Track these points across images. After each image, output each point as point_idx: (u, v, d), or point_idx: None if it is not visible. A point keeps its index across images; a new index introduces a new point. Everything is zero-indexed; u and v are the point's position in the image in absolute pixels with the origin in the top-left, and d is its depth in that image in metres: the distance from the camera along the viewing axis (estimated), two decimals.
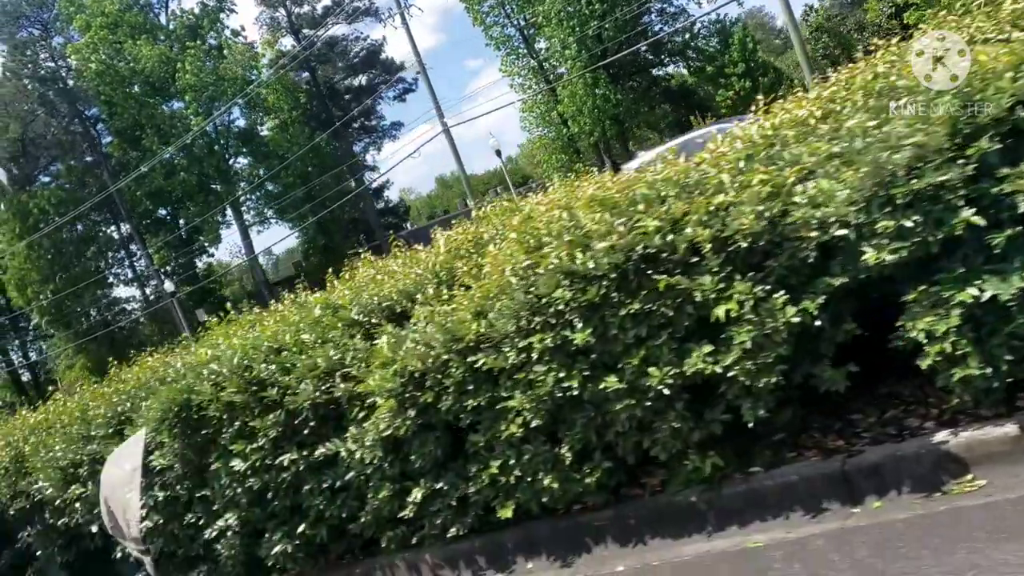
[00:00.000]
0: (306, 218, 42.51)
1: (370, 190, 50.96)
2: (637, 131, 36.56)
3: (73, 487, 5.08)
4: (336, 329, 4.60)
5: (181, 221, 48.32)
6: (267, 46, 47.71)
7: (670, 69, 38.41)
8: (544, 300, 3.59)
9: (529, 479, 3.88)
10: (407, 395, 4.03)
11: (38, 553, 5.57)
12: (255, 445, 4.47)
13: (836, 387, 3.35)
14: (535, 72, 37.67)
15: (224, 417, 4.54)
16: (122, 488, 4.92)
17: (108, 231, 52.00)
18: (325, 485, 4.40)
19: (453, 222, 5.42)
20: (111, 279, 52.23)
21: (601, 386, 3.53)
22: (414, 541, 4.33)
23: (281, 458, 4.40)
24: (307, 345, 4.55)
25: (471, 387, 3.89)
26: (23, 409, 7.33)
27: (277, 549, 4.53)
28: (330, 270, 5.91)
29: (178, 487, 4.77)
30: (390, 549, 4.43)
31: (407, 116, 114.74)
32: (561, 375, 3.57)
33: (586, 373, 3.57)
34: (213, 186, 46.71)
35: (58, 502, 5.33)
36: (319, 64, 47.54)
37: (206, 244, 49.12)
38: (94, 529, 5.22)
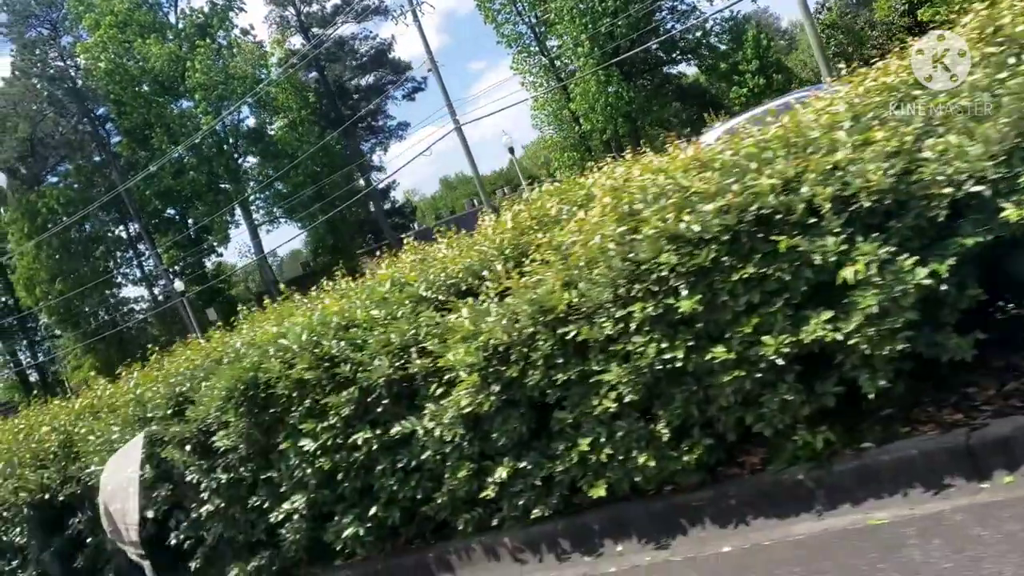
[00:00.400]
0: (316, 217, 42.36)
1: (378, 190, 50.80)
2: (649, 129, 36.33)
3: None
4: (404, 306, 4.43)
5: (190, 221, 48.26)
6: (276, 45, 47.63)
7: (682, 67, 38.25)
8: (645, 267, 3.42)
9: (621, 457, 3.71)
10: (491, 370, 3.87)
11: (88, 540, 5.40)
12: (326, 424, 4.30)
13: (961, 356, 3.18)
14: (546, 70, 37.56)
15: (293, 395, 4.38)
16: (121, 493, 4.86)
17: (116, 231, 51.96)
18: (400, 465, 4.23)
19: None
20: (119, 279, 52.16)
21: (707, 357, 3.36)
22: (494, 523, 4.16)
23: (354, 437, 4.23)
24: (377, 321, 4.38)
25: (560, 360, 3.72)
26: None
27: (348, 532, 4.36)
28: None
29: (242, 469, 4.60)
30: (466, 532, 4.26)
31: (415, 116, 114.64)
32: (663, 346, 3.40)
33: (690, 343, 3.40)
34: (222, 185, 46.66)
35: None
36: (328, 63, 47.43)
37: (215, 244, 49.03)
38: (149, 514, 5.05)
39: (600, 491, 3.74)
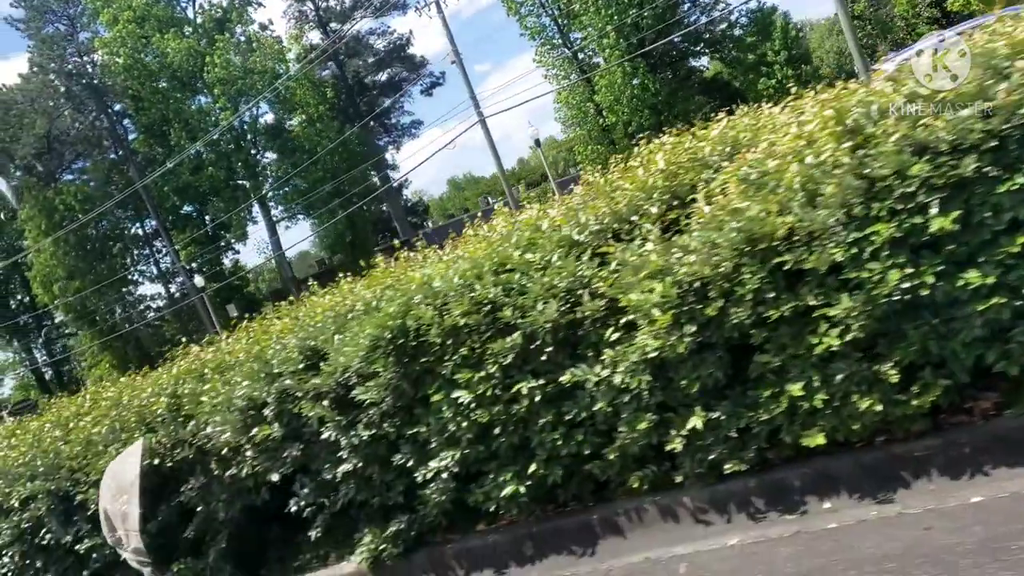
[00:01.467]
0: (335, 213, 42.06)
1: (394, 187, 50.52)
2: (674, 121, 35.93)
3: (257, 429, 4.55)
4: (559, 249, 4.08)
5: (207, 217, 48.07)
6: (294, 40, 47.47)
7: (706, 60, 37.90)
8: (885, 183, 3.06)
9: (837, 404, 3.35)
10: (685, 308, 3.51)
11: (198, 509, 5.06)
12: (483, 374, 3.95)
13: None
14: (569, 62, 37.23)
15: (448, 343, 4.03)
16: (121, 498, 4.91)
17: (134, 228, 51.80)
18: (567, 418, 3.88)
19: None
20: (136, 276, 52.00)
21: (958, 284, 3.00)
22: (676, 480, 3.80)
23: (517, 386, 3.88)
24: (532, 265, 4.03)
25: (771, 295, 3.36)
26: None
27: (507, 491, 4.00)
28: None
29: (385, 424, 4.25)
30: (639, 491, 3.90)
31: (432, 112, 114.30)
32: (908, 271, 3.04)
33: (939, 268, 3.03)
34: (240, 182, 46.45)
35: (225, 451, 4.82)
36: (346, 58, 47.20)
37: (232, 241, 48.83)
38: (274, 478, 4.70)
39: (817, 440, 3.38)
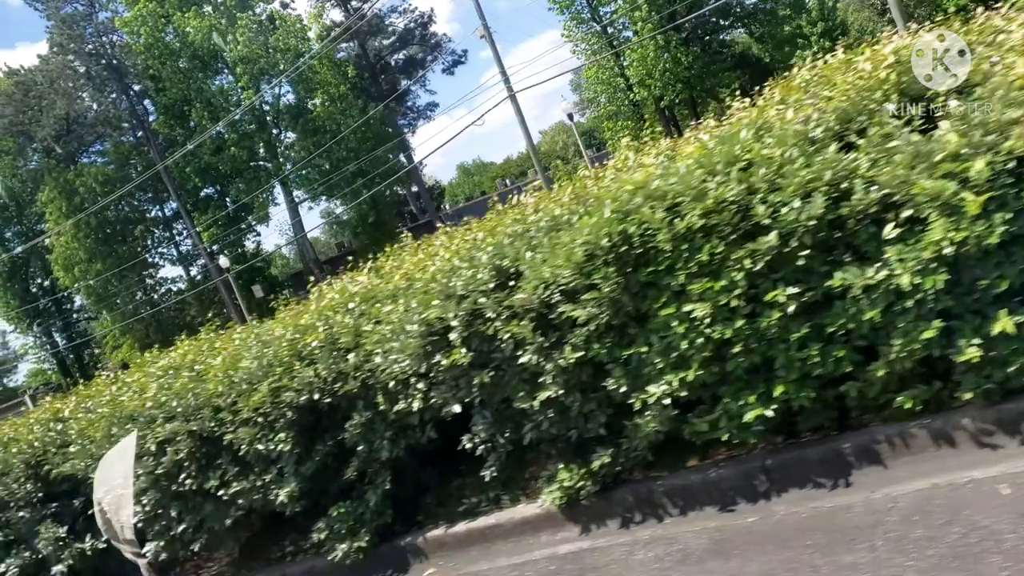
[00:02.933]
0: (359, 193, 41.59)
1: (417, 168, 49.96)
2: (706, 96, 35.33)
3: (440, 356, 4.12)
4: (797, 146, 3.61)
5: (228, 199, 47.68)
6: (315, 19, 46.90)
7: (740, 32, 37.23)
8: None
9: None
10: (997, 193, 3.05)
11: (358, 448, 4.64)
12: (723, 283, 3.50)
13: None
14: (597, 36, 36.58)
15: (682, 248, 3.57)
16: (116, 491, 4.86)
17: (154, 210, 51.51)
18: (829, 331, 3.43)
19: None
20: (158, 259, 51.78)
21: None
22: (959, 399, 3.34)
23: (771, 295, 3.43)
24: (774, 161, 3.57)
25: None
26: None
27: (749, 416, 3.56)
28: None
29: (595, 346, 3.80)
30: (912, 412, 3.45)
31: (449, 94, 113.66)
32: None
33: None
34: (262, 163, 46.06)
35: (393, 384, 4.39)
36: (368, 36, 46.59)
37: (254, 223, 48.48)
38: (455, 409, 4.27)
39: None
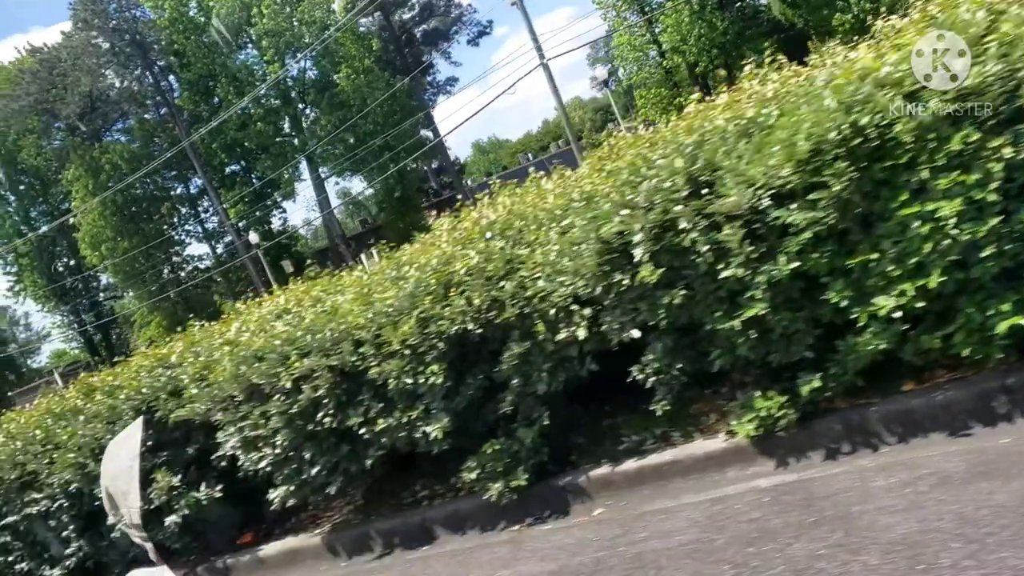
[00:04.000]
0: (386, 167, 41.20)
1: (445, 145, 49.42)
2: (741, 63, 34.47)
3: (620, 275, 3.75)
4: None
5: (254, 176, 47.50)
6: None
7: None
8: None
9: None
10: None
11: (512, 382, 4.31)
12: (976, 177, 3.11)
13: None
14: (629, 3, 35.80)
15: (927, 139, 3.18)
16: (123, 477, 5.08)
17: (180, 187, 51.43)
18: None
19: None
20: (184, 236, 51.79)
21: None
22: None
23: None
24: None
25: None
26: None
27: (1001, 327, 3.18)
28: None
29: (815, 255, 3.43)
30: None
31: (473, 67, 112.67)
32: None
33: None
34: (287, 138, 45.78)
35: (554, 312, 4.05)
36: (394, 7, 45.96)
37: (280, 199, 48.31)
38: (635, 333, 3.92)
39: None
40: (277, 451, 4.94)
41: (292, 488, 5.02)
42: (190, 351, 5.76)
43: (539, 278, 4.13)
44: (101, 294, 57.95)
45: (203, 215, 51.56)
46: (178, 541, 5.68)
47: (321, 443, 4.84)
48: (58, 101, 46.51)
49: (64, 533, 5.98)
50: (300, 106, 43.90)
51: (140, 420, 5.41)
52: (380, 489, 5.46)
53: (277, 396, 4.81)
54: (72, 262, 56.99)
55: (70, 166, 48.14)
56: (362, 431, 4.63)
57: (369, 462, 4.74)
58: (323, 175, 45.86)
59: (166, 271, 51.26)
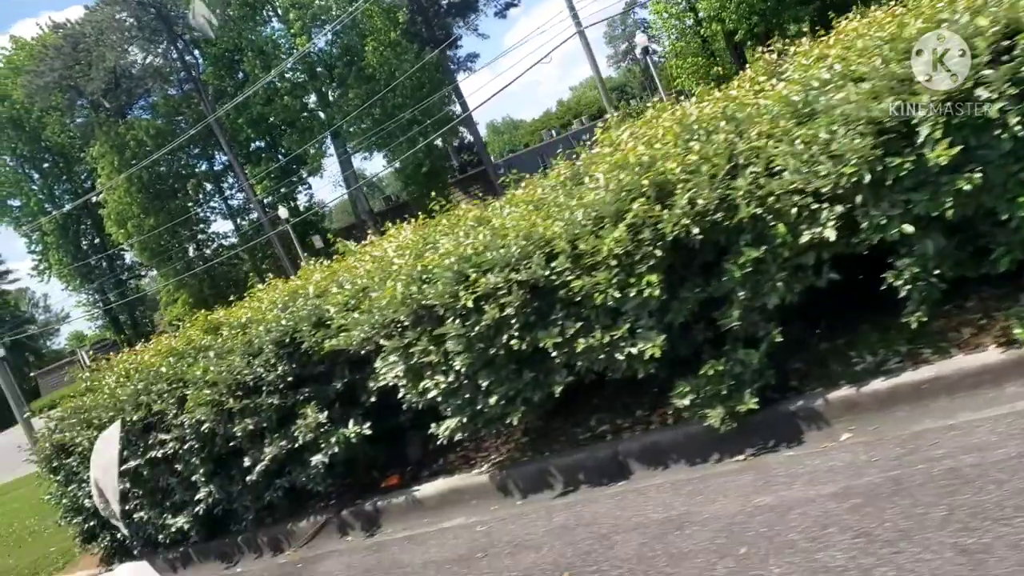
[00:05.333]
0: (415, 142, 40.64)
1: (472, 119, 48.70)
2: (784, 29, 33.63)
3: (900, 159, 3.26)
4: None
5: (280, 152, 47.08)
6: None
7: None
8: None
9: None
10: None
11: (738, 294, 3.85)
12: None
13: None
14: None
15: None
16: (108, 471, 5.35)
17: (204, 164, 51.11)
18: None
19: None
20: (210, 214, 51.58)
21: None
22: None
23: None
24: None
25: None
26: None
27: None
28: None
29: None
30: None
31: (491, 44, 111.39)
32: None
33: None
34: (314, 112, 45.30)
35: (796, 210, 3.57)
36: None
37: (306, 175, 47.91)
38: (908, 229, 3.43)
39: None
40: (450, 379, 4.52)
41: (464, 420, 4.61)
42: (333, 281, 5.34)
43: (779, 173, 3.65)
44: (126, 273, 57.94)
45: (228, 192, 51.28)
46: (321, 483, 5.29)
47: (499, 370, 4.41)
48: (82, 77, 46.16)
49: (193, 477, 5.59)
50: (327, 80, 43.35)
51: (118, 423, 5.65)
52: (545, 425, 5.03)
53: (452, 319, 4.38)
54: (97, 240, 56.96)
55: (95, 143, 47.90)
56: (553, 354, 4.19)
57: (558, 389, 4.30)
58: (350, 151, 45.38)
59: (191, 249, 51.12)
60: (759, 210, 3.75)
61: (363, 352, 5.09)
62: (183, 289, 49.21)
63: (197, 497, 5.60)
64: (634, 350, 4.01)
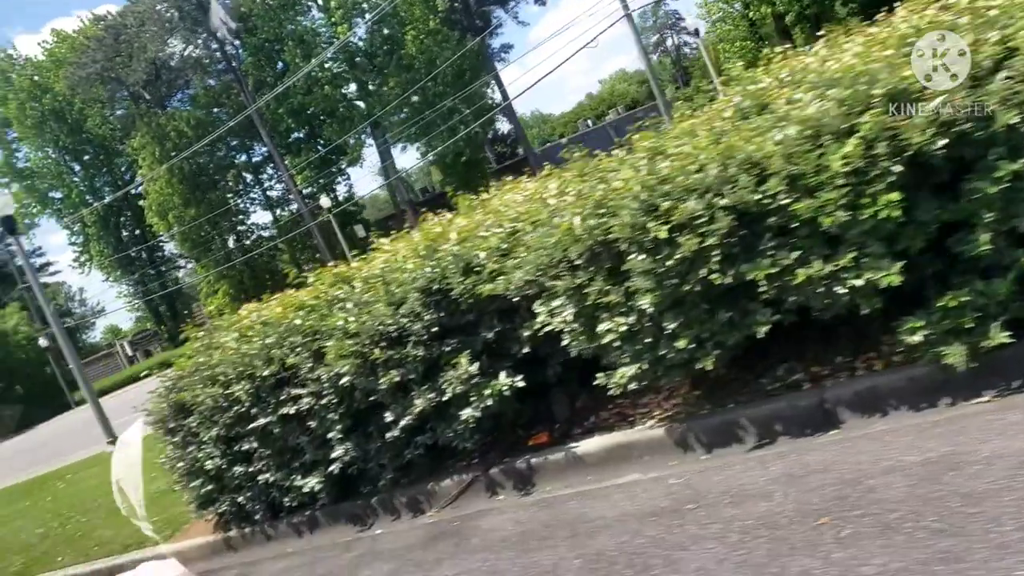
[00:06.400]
0: (456, 131, 40.40)
1: (513, 108, 48.36)
2: (838, 8, 32.83)
3: None
4: None
5: (319, 142, 47.13)
6: None
7: None
8: None
9: None
10: None
11: (985, 216, 3.43)
12: None
13: None
14: None
15: None
16: (130, 471, 5.40)
17: (243, 155, 51.38)
18: None
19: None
20: (249, 205, 51.84)
21: None
22: None
23: None
24: None
25: None
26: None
27: None
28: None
29: None
30: None
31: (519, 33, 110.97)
32: None
33: None
34: (353, 102, 45.25)
35: None
36: None
37: (345, 165, 47.92)
38: None
39: None
40: (630, 321, 4.15)
41: (644, 367, 4.24)
42: (483, 225, 5.01)
43: None
44: (165, 264, 58.49)
45: (267, 183, 51.50)
46: (469, 439, 4.96)
47: (690, 310, 4.03)
48: (123, 68, 46.56)
49: (329, 435, 5.30)
50: (367, 70, 43.24)
51: (140, 420, 5.82)
52: (721, 376, 4.64)
53: (637, 254, 4.01)
54: (137, 231, 57.56)
55: (136, 134, 48.32)
56: (762, 288, 3.81)
57: (762, 329, 3.91)
58: (389, 140, 45.28)
59: (231, 240, 51.41)
60: (1018, 119, 3.33)
61: (516, 299, 4.75)
62: (223, 280, 49.55)
63: (334, 455, 5.29)
64: (859, 282, 3.60)
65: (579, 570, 3.46)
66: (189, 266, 60.48)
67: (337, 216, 45.51)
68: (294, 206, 48.66)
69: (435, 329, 4.94)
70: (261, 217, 59.04)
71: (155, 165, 47.51)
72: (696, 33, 33.10)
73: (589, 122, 64.57)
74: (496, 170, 49.44)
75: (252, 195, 51.28)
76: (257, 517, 5.91)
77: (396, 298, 4.97)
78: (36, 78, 52.70)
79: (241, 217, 50.78)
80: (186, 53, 46.72)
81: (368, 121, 42.69)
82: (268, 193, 51.29)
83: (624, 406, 5.03)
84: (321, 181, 46.51)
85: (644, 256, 4.00)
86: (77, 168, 56.59)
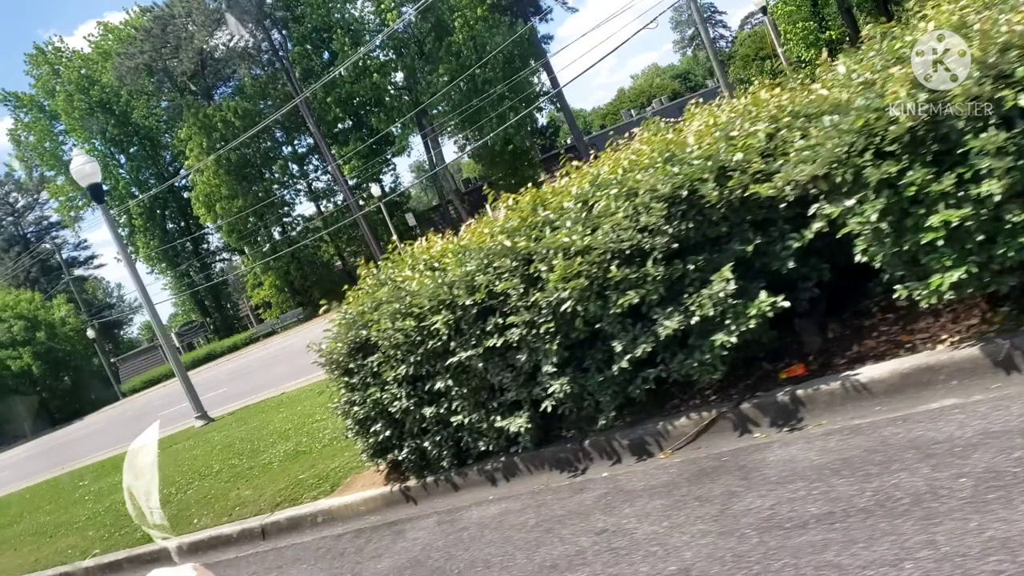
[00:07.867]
0: (505, 118, 39.86)
1: (558, 101, 47.68)
2: None
3: None
4: None
5: (365, 132, 46.88)
6: None
7: None
8: None
9: None
10: None
11: None
12: None
13: None
14: None
15: None
16: (144, 477, 4.95)
17: (288, 147, 51.33)
18: None
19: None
20: (295, 196, 51.77)
21: None
22: None
23: None
24: None
25: None
26: None
27: None
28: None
29: None
30: None
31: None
32: None
33: None
34: (401, 91, 44.92)
35: None
36: None
37: (391, 155, 47.64)
38: None
39: None
40: (964, 213, 3.51)
41: (973, 270, 3.60)
42: (732, 125, 4.40)
43: None
44: (211, 256, 58.72)
45: (312, 174, 51.42)
46: (716, 371, 4.34)
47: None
48: (170, 59, 46.74)
49: (544, 368, 4.72)
50: (415, 57, 42.88)
51: (156, 423, 5.38)
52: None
53: (973, 134, 3.37)
54: (182, 223, 57.87)
55: (183, 125, 48.49)
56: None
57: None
58: (436, 130, 44.89)
59: (276, 231, 51.42)
60: None
61: (782, 206, 4.15)
62: (269, 272, 49.57)
63: (548, 391, 4.72)
64: None
65: (973, 488, 2.83)
66: (234, 259, 60.67)
67: (385, 206, 45.30)
68: (339, 197, 48.52)
69: (676, 245, 4.34)
70: (306, 209, 58.93)
71: (202, 156, 47.62)
72: (764, 11, 32.17)
73: (632, 112, 63.69)
74: (543, 158, 48.84)
75: (298, 187, 51.22)
76: (444, 464, 5.36)
77: (638, 210, 4.38)
78: (84, 71, 53.19)
79: (287, 208, 50.76)
80: (232, 44, 46.77)
81: (416, 109, 42.31)
82: (313, 184, 51.18)
83: (895, 332, 4.39)
84: (368, 171, 46.23)
85: (989, 131, 3.37)
86: (123, 160, 57.00)
